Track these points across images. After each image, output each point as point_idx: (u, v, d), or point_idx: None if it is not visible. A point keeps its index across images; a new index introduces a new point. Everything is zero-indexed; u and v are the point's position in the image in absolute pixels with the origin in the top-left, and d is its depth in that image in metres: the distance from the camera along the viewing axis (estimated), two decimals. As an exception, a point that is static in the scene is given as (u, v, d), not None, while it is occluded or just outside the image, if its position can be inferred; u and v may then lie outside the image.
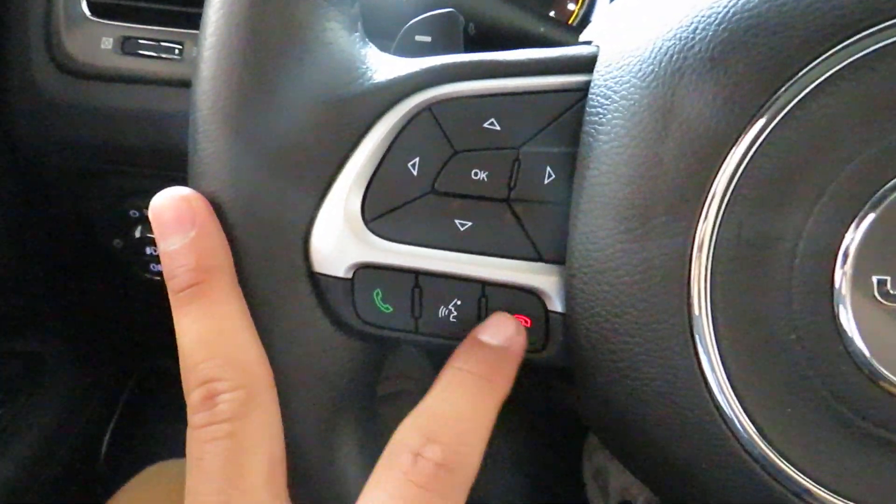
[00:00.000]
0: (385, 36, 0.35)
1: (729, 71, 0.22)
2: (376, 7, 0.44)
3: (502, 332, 0.25)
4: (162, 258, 0.24)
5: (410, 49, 0.36)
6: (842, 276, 0.21)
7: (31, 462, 0.63)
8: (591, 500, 0.69)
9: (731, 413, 0.22)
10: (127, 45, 0.48)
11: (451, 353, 0.25)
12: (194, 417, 0.23)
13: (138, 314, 0.67)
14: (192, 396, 0.23)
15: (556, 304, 0.25)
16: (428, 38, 0.35)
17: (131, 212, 0.55)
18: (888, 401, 0.22)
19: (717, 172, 0.22)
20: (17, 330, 0.64)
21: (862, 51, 0.21)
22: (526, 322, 0.25)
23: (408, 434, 0.23)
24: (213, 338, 0.23)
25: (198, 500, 0.22)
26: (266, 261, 0.24)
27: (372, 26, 0.29)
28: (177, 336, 0.23)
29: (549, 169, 0.25)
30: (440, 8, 0.37)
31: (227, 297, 0.24)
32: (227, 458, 0.22)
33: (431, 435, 0.23)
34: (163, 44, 0.48)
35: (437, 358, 0.25)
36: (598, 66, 0.25)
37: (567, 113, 0.25)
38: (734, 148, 0.22)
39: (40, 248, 0.60)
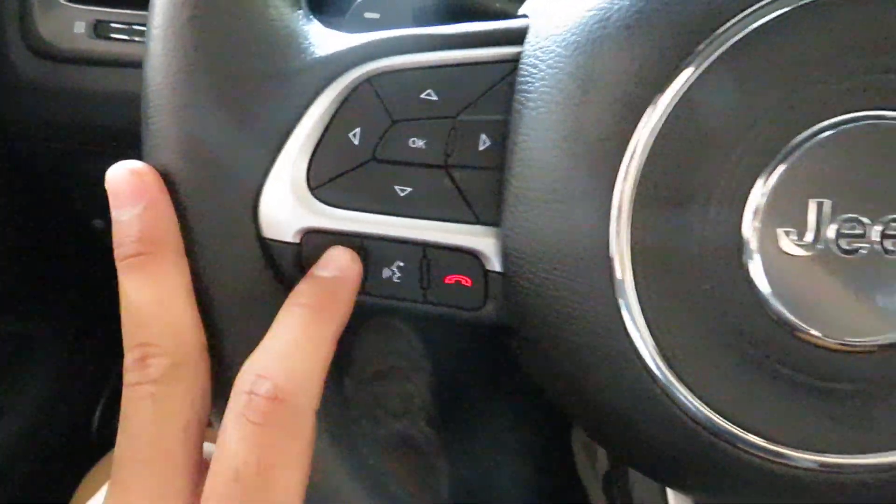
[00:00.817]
0: (337, 13, 0.36)
1: (645, 37, 0.23)
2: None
3: (334, 263, 0.26)
4: (113, 228, 0.25)
5: (360, 26, 0.37)
6: (751, 229, 0.23)
7: (21, 440, 0.64)
8: (581, 470, 0.70)
9: (652, 361, 0.23)
10: (99, 29, 0.49)
11: (405, 316, 0.26)
12: (128, 376, 0.24)
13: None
14: (129, 357, 0.24)
15: (493, 264, 0.26)
16: (377, 15, 0.36)
17: (109, 192, 0.56)
18: (801, 347, 0.23)
19: (633, 133, 0.23)
20: (2, 311, 0.65)
21: (769, 14, 0.22)
22: (466, 282, 0.27)
23: (242, 376, 0.24)
24: (152, 306, 0.24)
25: (123, 456, 0.24)
26: (217, 226, 0.26)
27: (324, 3, 0.30)
28: (120, 300, 0.25)
29: (483, 136, 0.26)
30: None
31: (170, 269, 0.25)
32: (149, 419, 0.23)
33: (262, 371, 0.24)
34: (135, 27, 0.49)
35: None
36: (529, 38, 0.26)
37: (501, 82, 0.26)
38: (650, 109, 0.23)
39: (23, 229, 0.61)
